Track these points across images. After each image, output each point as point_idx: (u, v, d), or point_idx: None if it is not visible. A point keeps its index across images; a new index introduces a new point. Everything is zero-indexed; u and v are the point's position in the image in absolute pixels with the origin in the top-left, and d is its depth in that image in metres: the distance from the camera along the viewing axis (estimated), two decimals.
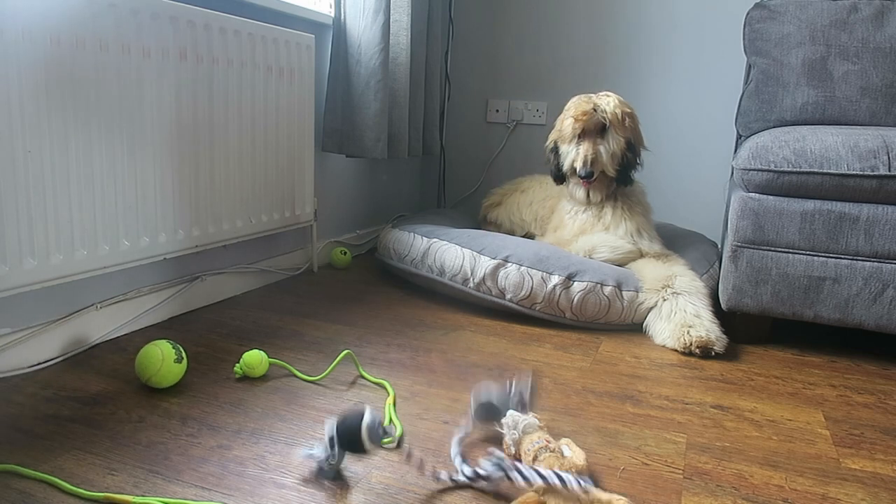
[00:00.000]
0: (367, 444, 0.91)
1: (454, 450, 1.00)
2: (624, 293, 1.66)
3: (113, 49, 1.30)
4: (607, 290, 1.65)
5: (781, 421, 1.19)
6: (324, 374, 1.30)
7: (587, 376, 1.37)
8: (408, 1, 2.16)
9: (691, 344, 1.50)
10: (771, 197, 1.52)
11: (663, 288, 1.64)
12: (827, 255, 1.49)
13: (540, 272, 1.67)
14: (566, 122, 1.84)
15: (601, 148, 1.80)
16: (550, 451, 0.91)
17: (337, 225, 2.31)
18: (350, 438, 0.91)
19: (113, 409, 1.11)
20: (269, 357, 1.30)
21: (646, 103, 2.49)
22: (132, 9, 1.33)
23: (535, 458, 0.91)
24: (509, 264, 1.71)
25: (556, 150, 1.91)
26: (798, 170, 1.47)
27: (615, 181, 1.85)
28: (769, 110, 1.90)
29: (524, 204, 2.23)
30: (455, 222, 2.23)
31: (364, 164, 2.42)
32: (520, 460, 0.94)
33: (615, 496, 0.83)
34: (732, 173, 1.72)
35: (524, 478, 0.85)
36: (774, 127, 1.83)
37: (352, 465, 0.97)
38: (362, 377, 1.30)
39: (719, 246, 2.12)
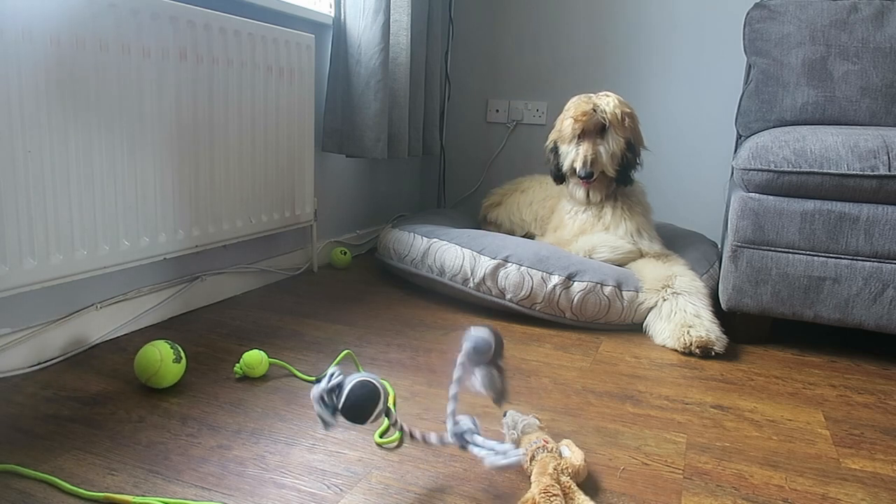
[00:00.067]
0: (367, 421, 0.88)
1: (450, 406, 0.95)
2: (624, 293, 1.66)
3: (113, 49, 1.30)
4: (607, 290, 1.65)
5: (781, 421, 1.19)
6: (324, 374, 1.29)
7: (587, 376, 1.37)
8: (408, 1, 2.16)
9: (691, 344, 1.50)
10: (771, 197, 1.52)
11: (663, 288, 1.64)
12: (827, 255, 1.49)
13: (540, 272, 1.67)
14: (566, 123, 1.84)
15: (601, 148, 1.80)
16: (548, 452, 0.92)
17: (337, 225, 2.31)
18: (357, 412, 0.87)
19: (113, 409, 1.11)
20: (269, 357, 1.30)
21: (646, 103, 2.49)
22: (132, 9, 1.33)
23: (532, 458, 0.92)
24: (509, 264, 1.71)
25: (555, 150, 1.91)
26: (798, 170, 1.47)
27: (615, 181, 1.85)
28: (769, 110, 1.90)
29: (524, 204, 2.23)
30: (455, 222, 2.23)
31: (364, 164, 2.42)
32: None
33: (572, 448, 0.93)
34: (732, 173, 1.72)
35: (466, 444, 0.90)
36: (774, 127, 1.83)
37: (352, 465, 0.98)
38: None
39: (719, 246, 2.12)
